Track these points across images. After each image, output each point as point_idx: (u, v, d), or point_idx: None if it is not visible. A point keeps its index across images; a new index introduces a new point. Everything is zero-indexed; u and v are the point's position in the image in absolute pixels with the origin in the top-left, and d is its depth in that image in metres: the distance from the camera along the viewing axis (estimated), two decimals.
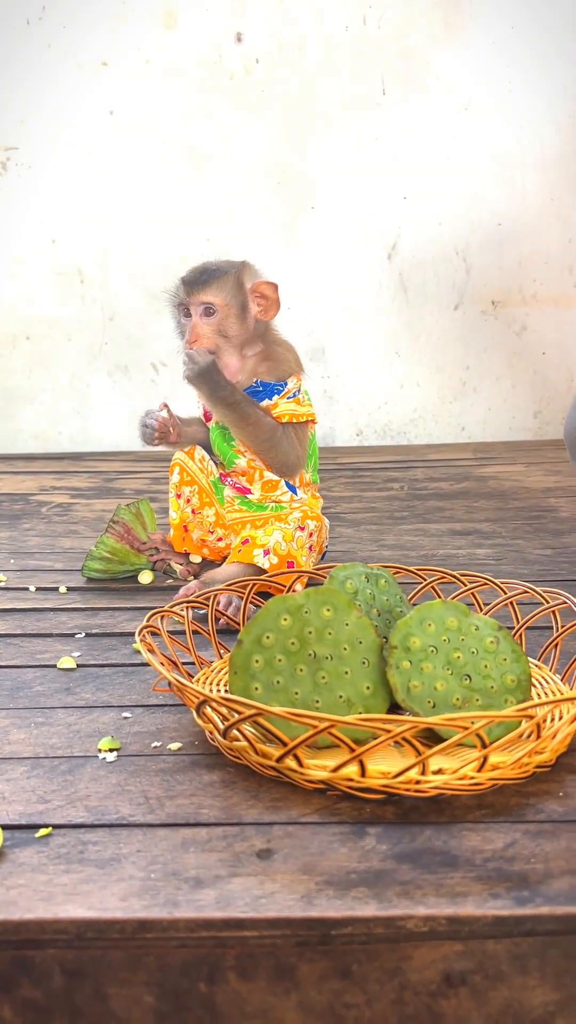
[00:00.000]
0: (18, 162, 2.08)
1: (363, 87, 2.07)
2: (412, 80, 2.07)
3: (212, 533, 1.29)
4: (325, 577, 1.00)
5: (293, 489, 1.26)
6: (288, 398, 1.23)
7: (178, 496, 1.29)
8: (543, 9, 2.05)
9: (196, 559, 1.30)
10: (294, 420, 1.23)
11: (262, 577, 1.05)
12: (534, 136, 2.09)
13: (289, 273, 2.09)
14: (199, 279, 1.20)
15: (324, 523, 1.28)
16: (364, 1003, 0.62)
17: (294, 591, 1.02)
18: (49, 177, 2.08)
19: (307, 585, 1.09)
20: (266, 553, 1.16)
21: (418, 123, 2.08)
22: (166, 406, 1.27)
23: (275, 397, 1.23)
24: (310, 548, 1.21)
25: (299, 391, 1.25)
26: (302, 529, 1.20)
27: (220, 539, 1.29)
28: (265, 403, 1.22)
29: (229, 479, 1.28)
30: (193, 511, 1.28)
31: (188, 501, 1.29)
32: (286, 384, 1.24)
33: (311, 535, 1.22)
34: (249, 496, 1.26)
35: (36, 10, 2.02)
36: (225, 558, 1.26)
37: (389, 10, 2.04)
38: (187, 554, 1.31)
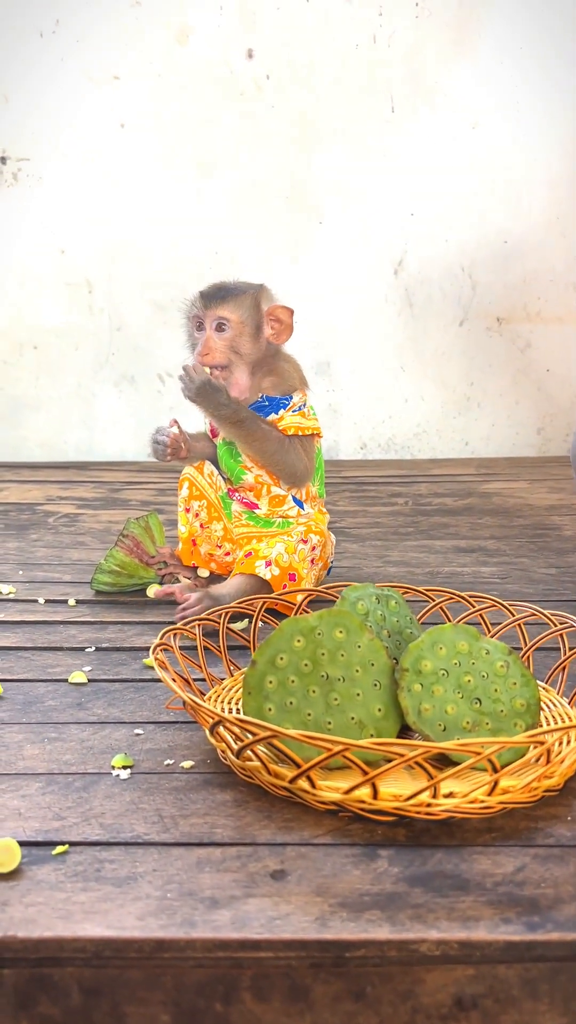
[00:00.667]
0: (29, 173, 2.10)
1: (372, 104, 2.09)
2: (421, 98, 2.09)
3: (220, 547, 1.30)
4: (336, 597, 1.01)
5: (300, 504, 1.28)
6: (294, 411, 1.25)
7: (187, 510, 1.30)
8: (552, 29, 2.08)
9: (204, 573, 1.31)
10: (300, 432, 1.24)
11: (272, 595, 1.07)
12: (541, 154, 2.12)
13: (296, 287, 2.11)
14: (217, 294, 1.21)
15: (330, 538, 1.29)
16: None
17: (305, 611, 1.03)
18: (59, 188, 2.10)
19: (310, 603, 1.10)
20: (268, 564, 1.18)
21: (426, 140, 2.10)
22: (176, 422, 1.28)
23: (281, 411, 1.24)
24: (312, 561, 1.23)
25: (304, 405, 1.27)
26: (305, 542, 1.22)
27: (228, 553, 1.30)
28: (271, 417, 1.24)
29: (237, 494, 1.29)
30: (202, 525, 1.30)
31: (197, 515, 1.30)
32: (291, 398, 1.26)
33: (314, 548, 1.23)
34: (256, 511, 1.28)
35: (50, 23, 2.04)
36: None
37: (399, 29, 2.06)
38: (195, 568, 1.32)
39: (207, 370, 1.21)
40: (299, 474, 1.25)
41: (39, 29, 2.04)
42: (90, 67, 2.06)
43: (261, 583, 1.19)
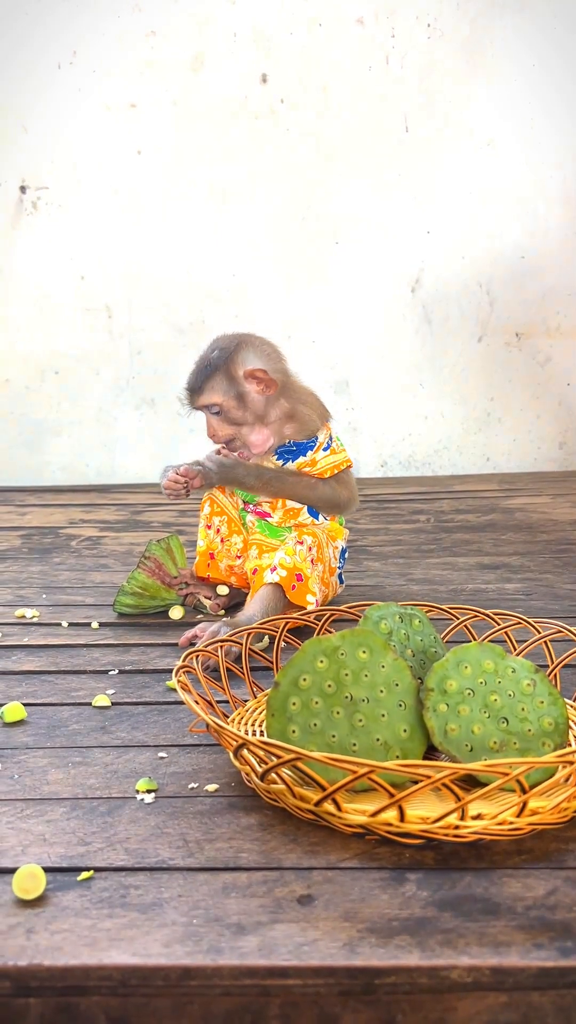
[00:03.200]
0: (48, 201, 2.12)
1: (386, 125, 2.10)
2: (435, 118, 2.10)
3: (239, 558, 1.32)
4: (358, 616, 1.01)
5: (315, 515, 1.29)
6: (323, 450, 1.29)
7: (208, 527, 1.33)
8: (564, 46, 2.08)
9: (223, 591, 1.32)
10: (336, 471, 1.28)
11: (294, 615, 1.06)
12: (556, 171, 2.12)
13: (314, 307, 2.12)
14: (194, 386, 1.27)
15: (331, 543, 1.29)
16: None
17: (328, 631, 1.03)
18: (78, 216, 2.12)
19: (333, 623, 1.09)
20: (273, 570, 1.21)
21: (441, 159, 2.11)
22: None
23: (309, 453, 1.27)
24: (312, 561, 1.23)
25: (331, 441, 1.30)
26: (301, 543, 1.23)
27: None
28: (300, 460, 1.28)
29: (250, 506, 1.31)
30: (222, 540, 1.32)
31: (218, 531, 1.32)
32: (317, 439, 1.28)
33: (310, 549, 1.24)
34: (269, 519, 1.29)
35: (67, 55, 2.07)
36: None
37: (411, 50, 2.08)
38: (214, 587, 1.32)
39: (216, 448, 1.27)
40: (341, 505, 1.30)
41: (56, 60, 2.07)
42: (107, 96, 2.09)
43: (277, 590, 1.20)
